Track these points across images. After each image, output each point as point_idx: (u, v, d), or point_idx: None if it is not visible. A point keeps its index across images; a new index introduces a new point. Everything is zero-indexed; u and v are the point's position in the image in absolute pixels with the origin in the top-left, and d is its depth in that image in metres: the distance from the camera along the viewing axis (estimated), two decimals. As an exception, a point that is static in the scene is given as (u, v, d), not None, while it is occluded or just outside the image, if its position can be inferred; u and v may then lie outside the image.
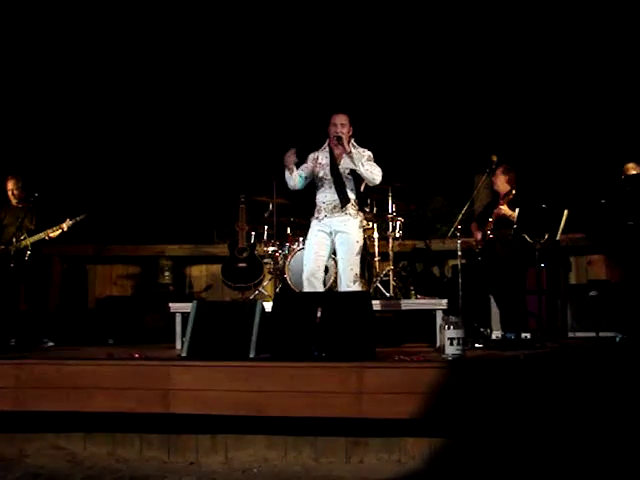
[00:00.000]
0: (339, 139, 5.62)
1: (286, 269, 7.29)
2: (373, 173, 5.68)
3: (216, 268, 8.41)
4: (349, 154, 5.61)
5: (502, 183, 6.78)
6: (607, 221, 6.54)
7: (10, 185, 7.23)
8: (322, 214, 5.80)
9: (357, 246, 5.76)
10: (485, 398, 4.44)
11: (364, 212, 6.09)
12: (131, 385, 4.83)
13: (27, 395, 4.95)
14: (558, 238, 5.98)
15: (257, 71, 9.03)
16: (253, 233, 7.87)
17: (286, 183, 5.92)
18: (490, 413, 4.45)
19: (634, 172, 6.32)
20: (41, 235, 7.02)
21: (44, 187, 7.29)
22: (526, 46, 8.23)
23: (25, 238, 7.02)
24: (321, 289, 5.81)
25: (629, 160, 6.46)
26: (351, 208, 5.77)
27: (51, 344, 7.00)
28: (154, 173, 9.37)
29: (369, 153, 5.82)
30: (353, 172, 5.74)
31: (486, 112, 8.50)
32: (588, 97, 8.23)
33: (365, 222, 7.32)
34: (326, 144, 5.89)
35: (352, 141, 5.81)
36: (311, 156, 5.90)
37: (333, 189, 5.76)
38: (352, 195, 5.79)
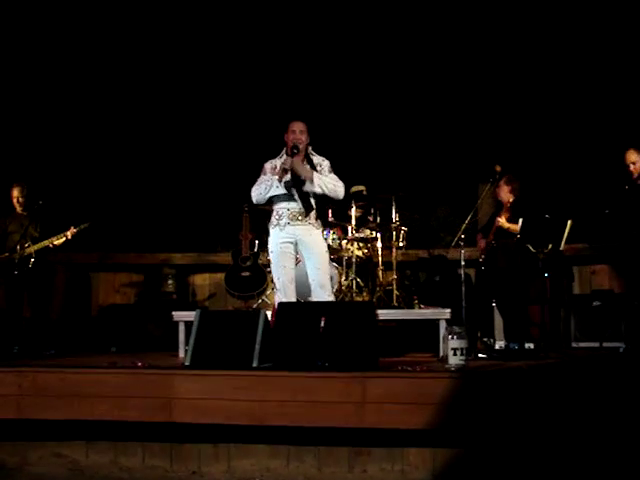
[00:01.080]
0: (296, 148, 5.57)
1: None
2: (336, 190, 5.67)
3: (219, 277, 8.42)
4: (310, 180, 5.58)
5: (505, 193, 6.79)
6: (611, 231, 6.53)
7: (15, 193, 7.25)
8: (284, 221, 5.69)
9: (327, 254, 5.81)
10: (489, 408, 4.43)
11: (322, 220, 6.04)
12: (134, 393, 4.82)
13: (29, 403, 4.94)
14: (562, 248, 5.97)
15: (261, 82, 9.05)
16: (257, 242, 7.88)
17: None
18: (494, 423, 4.43)
19: (634, 157, 6.28)
20: (45, 243, 7.04)
21: (48, 195, 7.31)
22: (531, 55, 8.24)
23: (29, 246, 7.04)
24: (294, 299, 5.77)
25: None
26: (313, 218, 5.73)
27: (53, 352, 7.00)
28: (158, 181, 9.38)
29: (327, 163, 5.78)
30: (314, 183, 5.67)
31: (490, 122, 8.50)
32: (592, 107, 8.23)
33: (368, 231, 7.34)
34: (283, 151, 5.77)
35: (310, 149, 5.78)
36: (268, 165, 5.78)
37: (296, 197, 5.66)
38: (312, 205, 5.72)
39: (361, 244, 7.36)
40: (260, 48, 8.91)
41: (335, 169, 5.83)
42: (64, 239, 7.04)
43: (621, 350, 6.27)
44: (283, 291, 5.72)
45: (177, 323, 6.78)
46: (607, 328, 6.89)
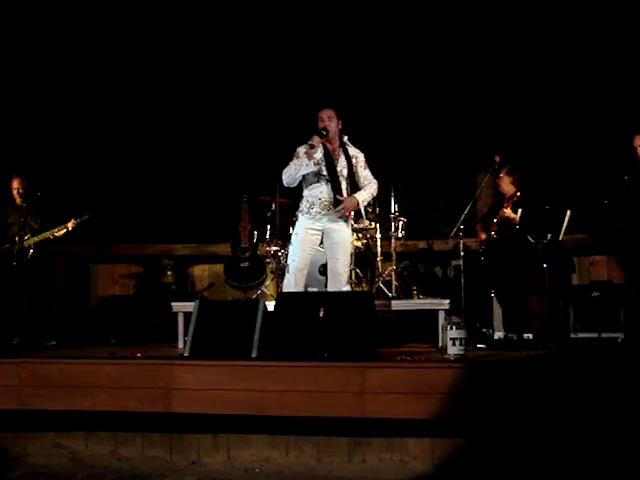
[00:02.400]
0: (325, 130, 5.57)
1: (288, 269, 7.29)
2: (374, 193, 5.82)
3: (219, 268, 8.42)
4: (358, 207, 5.71)
5: (507, 184, 6.79)
6: (610, 222, 6.53)
7: (15, 184, 7.25)
8: (315, 210, 5.69)
9: (351, 247, 5.85)
10: (488, 398, 4.44)
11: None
12: (133, 384, 4.83)
13: (29, 394, 4.94)
14: (561, 239, 5.97)
15: (260, 72, 9.02)
16: (256, 233, 7.88)
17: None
18: (493, 413, 4.44)
19: None
20: (46, 234, 7.05)
21: (47, 186, 7.30)
22: (530, 45, 8.22)
23: (29, 237, 7.04)
24: (303, 286, 5.78)
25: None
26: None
27: (53, 343, 7.01)
28: (157, 172, 9.36)
29: (363, 157, 5.83)
30: (349, 171, 5.70)
31: (489, 112, 8.49)
32: (591, 97, 8.21)
33: (367, 221, 7.34)
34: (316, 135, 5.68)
35: (345, 138, 5.81)
36: (301, 150, 5.67)
37: (329, 187, 5.66)
38: (346, 195, 5.70)
39: (360, 235, 7.36)
40: (261, 40, 8.88)
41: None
42: (65, 230, 7.04)
43: (620, 340, 6.28)
44: (293, 276, 5.70)
45: (176, 314, 6.77)
46: (606, 319, 6.90)
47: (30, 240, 7.05)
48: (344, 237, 5.72)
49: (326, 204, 5.67)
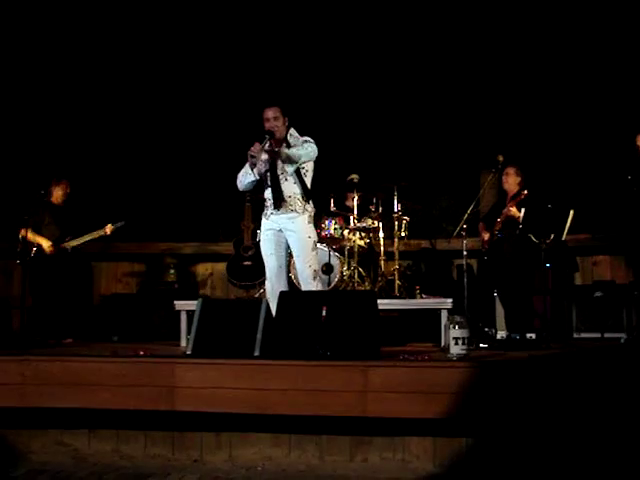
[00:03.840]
0: (271, 134, 5.48)
1: (291, 267, 7.29)
2: (308, 150, 5.49)
3: (221, 266, 8.42)
4: (277, 154, 5.46)
5: (514, 183, 6.80)
6: (613, 222, 6.53)
7: (63, 187, 7.34)
8: (269, 211, 5.68)
9: (310, 242, 5.60)
10: (490, 398, 4.44)
11: (311, 204, 5.80)
12: (136, 382, 4.84)
13: (32, 391, 4.95)
14: (564, 238, 5.97)
15: (262, 71, 9.03)
16: (258, 231, 7.87)
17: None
18: (496, 413, 4.44)
19: None
20: (85, 238, 7.19)
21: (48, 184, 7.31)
22: (532, 44, 8.22)
23: (70, 239, 7.16)
24: (284, 288, 5.69)
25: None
26: (296, 204, 5.61)
27: (70, 340, 7.05)
28: (160, 171, 9.37)
29: (307, 138, 5.61)
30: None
31: (492, 111, 8.48)
32: (594, 96, 8.20)
33: (370, 220, 7.33)
34: (255, 143, 5.54)
35: (290, 131, 5.68)
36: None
37: (269, 184, 5.64)
38: (295, 189, 5.61)
39: (363, 234, 7.36)
40: (262, 41, 8.89)
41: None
42: (101, 234, 7.21)
43: (622, 341, 6.28)
44: (270, 279, 5.71)
45: (179, 312, 6.79)
46: (608, 319, 6.90)
47: (72, 242, 7.19)
48: (297, 236, 5.60)
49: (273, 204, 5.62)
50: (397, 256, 7.44)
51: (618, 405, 4.32)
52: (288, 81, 8.93)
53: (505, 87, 8.35)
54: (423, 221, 8.79)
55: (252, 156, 5.41)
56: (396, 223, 7.44)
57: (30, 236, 6.99)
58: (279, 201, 5.58)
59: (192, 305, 5.82)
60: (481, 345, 5.86)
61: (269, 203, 5.67)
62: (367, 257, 7.45)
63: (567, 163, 8.23)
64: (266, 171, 5.63)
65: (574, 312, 7.12)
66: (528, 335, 6.17)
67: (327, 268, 7.10)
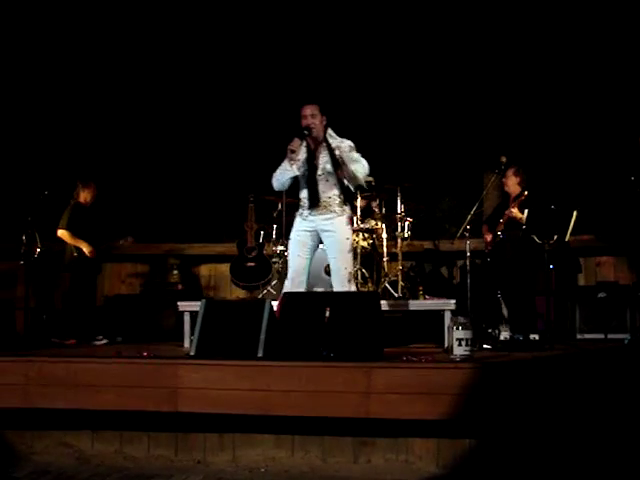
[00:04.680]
0: (309, 130, 5.41)
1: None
2: (357, 172, 5.38)
3: (225, 267, 8.42)
4: (332, 152, 5.37)
5: (513, 184, 6.79)
6: (616, 222, 6.52)
7: (93, 190, 7.38)
8: (306, 211, 5.57)
9: (347, 243, 5.52)
10: (493, 399, 4.43)
11: (351, 206, 5.83)
12: (139, 383, 4.84)
13: (36, 392, 4.96)
14: (567, 239, 5.96)
15: (266, 72, 9.04)
16: (262, 232, 7.88)
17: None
18: (499, 414, 4.44)
19: None
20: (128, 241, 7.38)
21: (52, 185, 7.32)
22: (536, 47, 8.22)
23: (106, 241, 7.31)
24: (304, 290, 5.63)
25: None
26: (335, 205, 5.53)
27: (105, 341, 7.10)
28: (163, 172, 9.38)
29: (348, 143, 5.50)
30: (334, 165, 5.45)
31: (495, 112, 8.48)
32: (598, 98, 8.20)
33: (374, 221, 7.33)
34: (295, 138, 5.48)
35: (329, 131, 5.57)
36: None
37: (305, 183, 5.55)
38: (335, 191, 5.54)
39: (366, 235, 7.35)
40: (268, 41, 8.89)
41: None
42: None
43: (626, 342, 6.26)
44: (291, 279, 5.60)
45: (182, 313, 6.79)
46: (612, 320, 6.88)
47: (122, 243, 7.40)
48: (336, 238, 5.52)
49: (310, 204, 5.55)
50: (400, 257, 7.44)
51: (622, 406, 4.31)
52: (290, 84, 8.94)
53: (508, 89, 8.35)
54: (426, 222, 8.79)
55: (292, 151, 5.36)
56: (399, 224, 7.44)
57: (70, 238, 7.13)
58: (316, 202, 5.49)
59: (195, 306, 5.82)
60: (484, 346, 5.85)
61: (305, 203, 5.57)
62: (370, 258, 7.44)
63: (570, 164, 8.22)
64: (304, 170, 5.53)
65: (577, 313, 7.11)
66: (531, 336, 6.16)
67: (329, 269, 7.10)
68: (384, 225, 7.47)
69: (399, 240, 7.45)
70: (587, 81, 8.22)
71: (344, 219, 5.56)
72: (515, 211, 6.54)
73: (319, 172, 5.51)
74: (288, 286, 5.63)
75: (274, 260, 7.73)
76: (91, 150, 9.15)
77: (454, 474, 4.57)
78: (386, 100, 8.80)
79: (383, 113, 8.75)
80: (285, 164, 5.53)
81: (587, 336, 6.95)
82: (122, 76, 9.09)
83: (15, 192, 7.48)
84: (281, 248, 7.59)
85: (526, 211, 6.13)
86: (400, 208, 7.46)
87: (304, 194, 5.59)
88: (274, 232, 7.77)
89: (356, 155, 5.46)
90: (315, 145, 5.54)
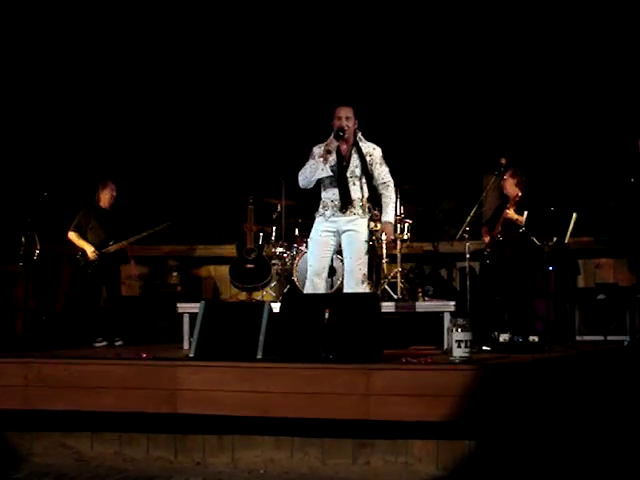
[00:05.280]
0: (342, 131, 5.44)
1: (294, 270, 7.31)
2: (393, 195, 5.69)
3: (224, 269, 8.42)
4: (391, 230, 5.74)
5: (511, 186, 6.79)
6: (616, 224, 6.52)
7: (110, 191, 7.37)
8: (329, 212, 5.59)
9: (365, 246, 5.57)
10: (493, 401, 4.43)
11: (373, 211, 5.92)
12: (138, 385, 4.85)
13: (35, 394, 4.97)
14: (566, 241, 5.96)
15: (265, 74, 9.03)
16: (261, 234, 7.88)
17: (296, 182, 5.63)
18: (498, 416, 4.44)
19: None
20: (124, 243, 7.30)
21: (50, 186, 7.31)
22: (535, 48, 8.21)
23: (113, 243, 7.23)
24: (323, 290, 5.67)
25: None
26: (359, 207, 5.58)
27: (104, 343, 7.09)
28: (162, 174, 9.36)
29: (379, 152, 5.64)
30: (363, 170, 5.55)
31: (495, 114, 8.47)
32: (597, 99, 8.20)
33: (373, 223, 7.34)
34: (331, 136, 5.51)
35: (359, 135, 5.65)
36: (316, 151, 5.60)
37: (336, 183, 5.56)
38: (359, 194, 5.59)
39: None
40: (266, 44, 8.88)
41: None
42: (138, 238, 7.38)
43: (625, 344, 6.26)
44: (311, 280, 5.61)
45: (182, 315, 6.79)
46: (611, 321, 6.88)
47: (114, 246, 7.24)
48: (356, 237, 5.56)
49: (339, 205, 5.57)
50: (400, 259, 7.44)
51: (621, 408, 4.32)
52: (290, 84, 8.93)
53: (508, 90, 8.35)
54: (426, 224, 8.78)
55: (328, 151, 5.41)
56: (399, 226, 7.44)
57: (76, 240, 7.13)
58: (347, 203, 5.54)
59: (195, 308, 5.82)
60: (484, 348, 5.85)
61: (331, 204, 5.59)
62: (370, 260, 7.43)
63: (570, 166, 8.21)
64: (334, 171, 5.55)
65: (577, 315, 7.10)
66: (531, 338, 6.16)
67: (330, 271, 7.10)
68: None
69: (398, 242, 7.45)
70: (586, 83, 8.21)
71: (365, 221, 5.63)
72: (511, 212, 6.55)
73: (348, 174, 5.56)
74: (309, 289, 5.63)
75: (273, 262, 7.73)
76: (89, 151, 9.13)
77: (453, 476, 4.57)
78: (385, 102, 8.79)
79: (382, 114, 8.73)
80: (317, 163, 5.51)
81: (586, 338, 6.95)
82: (121, 80, 9.09)
83: (14, 193, 7.45)
84: (280, 250, 7.59)
85: (525, 213, 6.14)
86: (400, 210, 7.47)
87: (329, 194, 5.61)
88: (273, 234, 7.77)
89: (385, 173, 5.65)
90: (345, 148, 5.59)
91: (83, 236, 7.17)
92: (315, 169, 5.51)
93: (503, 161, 6.69)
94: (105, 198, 7.33)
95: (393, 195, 5.70)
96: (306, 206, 6.69)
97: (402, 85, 8.81)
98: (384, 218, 5.67)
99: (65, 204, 7.74)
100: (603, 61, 8.15)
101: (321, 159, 5.47)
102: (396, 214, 7.43)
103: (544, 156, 8.25)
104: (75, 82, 8.90)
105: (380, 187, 5.69)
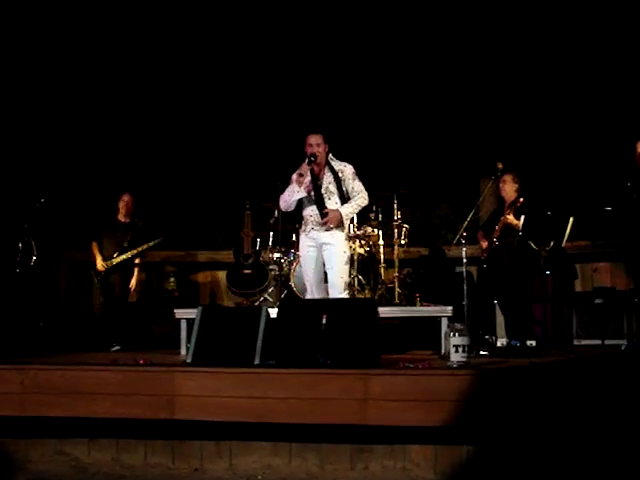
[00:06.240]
0: (314, 157, 5.77)
1: (291, 276, 7.31)
2: (363, 204, 5.91)
3: (221, 274, 8.43)
4: (342, 220, 5.83)
5: (509, 191, 6.79)
6: (613, 228, 6.52)
7: (125, 203, 7.51)
8: (309, 227, 5.92)
9: (345, 256, 5.88)
10: (490, 406, 4.43)
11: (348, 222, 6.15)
12: (136, 391, 4.83)
13: (31, 400, 4.94)
14: (564, 245, 5.97)
15: (262, 80, 9.04)
16: (258, 240, 7.89)
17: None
18: (496, 421, 4.43)
19: None
20: (128, 254, 7.38)
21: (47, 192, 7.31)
22: (532, 52, 8.23)
23: (117, 255, 7.35)
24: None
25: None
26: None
27: (118, 347, 7.13)
28: (159, 180, 9.36)
29: (350, 169, 5.95)
30: (337, 186, 5.87)
31: (491, 119, 8.49)
32: (594, 104, 8.21)
33: (370, 228, 7.35)
34: (304, 163, 5.86)
35: (330, 156, 5.96)
36: (294, 177, 5.90)
37: (313, 200, 5.90)
38: (336, 208, 5.85)
39: (363, 241, 7.36)
40: (264, 50, 8.89)
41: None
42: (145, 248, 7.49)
43: (623, 348, 6.26)
44: (311, 293, 5.95)
45: (179, 320, 6.78)
46: (609, 326, 6.89)
47: (117, 258, 7.37)
48: (334, 250, 5.84)
49: (317, 220, 5.85)
50: (397, 263, 7.44)
51: (619, 412, 4.31)
52: (287, 90, 8.94)
53: (504, 95, 8.36)
54: (423, 229, 8.79)
55: (301, 174, 5.78)
56: (396, 231, 7.45)
57: (93, 250, 7.40)
58: (324, 217, 5.82)
59: (192, 313, 5.81)
60: (481, 352, 5.86)
61: (310, 219, 5.92)
62: (367, 265, 7.46)
63: (567, 170, 8.23)
64: (309, 190, 5.89)
65: (574, 319, 7.11)
66: (528, 342, 6.18)
67: (326, 277, 7.10)
68: (381, 232, 7.48)
69: (396, 247, 7.46)
70: (583, 87, 8.23)
71: (344, 234, 5.92)
72: (510, 217, 6.54)
73: (323, 190, 5.90)
74: (309, 295, 5.99)
75: (271, 267, 7.73)
76: (87, 157, 9.12)
77: (452, 481, 4.57)
78: (382, 107, 8.81)
79: (379, 120, 8.75)
80: (293, 187, 5.89)
81: (584, 342, 6.96)
82: (119, 87, 9.08)
83: (11, 199, 7.44)
84: (278, 255, 7.59)
85: (522, 217, 6.14)
86: (397, 215, 7.47)
87: (308, 211, 5.97)
88: (270, 239, 7.77)
89: (359, 186, 5.91)
90: (319, 168, 5.93)
91: (99, 246, 7.37)
92: (292, 192, 5.91)
93: (500, 165, 6.69)
94: (120, 209, 7.49)
95: (362, 202, 5.93)
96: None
97: (399, 91, 8.82)
98: (340, 207, 5.84)
99: (62, 211, 7.73)
100: (599, 66, 8.16)
101: (296, 183, 5.84)
102: (393, 219, 7.44)
103: (540, 160, 8.27)
104: (72, 89, 8.89)
105: (354, 197, 5.93)
